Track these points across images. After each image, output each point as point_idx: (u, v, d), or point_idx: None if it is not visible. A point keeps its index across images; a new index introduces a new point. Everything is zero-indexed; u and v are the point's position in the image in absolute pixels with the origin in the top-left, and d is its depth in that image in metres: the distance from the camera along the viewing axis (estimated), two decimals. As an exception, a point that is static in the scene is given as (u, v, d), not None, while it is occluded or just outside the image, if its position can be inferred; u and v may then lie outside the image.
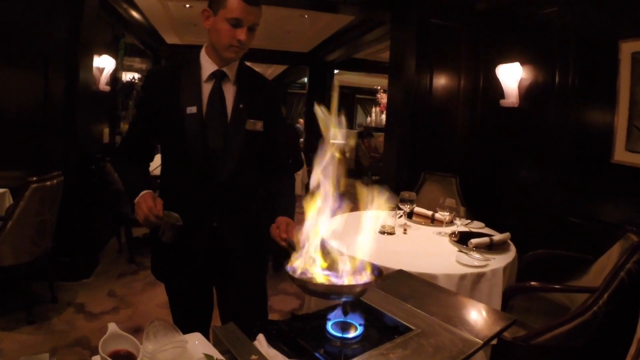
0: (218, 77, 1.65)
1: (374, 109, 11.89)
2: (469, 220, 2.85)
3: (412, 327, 1.15)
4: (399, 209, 2.66)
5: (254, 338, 1.08)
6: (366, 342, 1.07)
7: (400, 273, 1.64)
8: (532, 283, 2.27)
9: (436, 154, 4.31)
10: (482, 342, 1.12)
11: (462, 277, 1.99)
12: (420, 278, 1.60)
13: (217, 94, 1.64)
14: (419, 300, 1.35)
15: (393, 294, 1.34)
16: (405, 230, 2.68)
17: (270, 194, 1.79)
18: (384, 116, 10.29)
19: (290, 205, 1.76)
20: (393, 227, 2.62)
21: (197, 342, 1.03)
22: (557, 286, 2.46)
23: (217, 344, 1.07)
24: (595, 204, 2.98)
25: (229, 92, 1.67)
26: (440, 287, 1.52)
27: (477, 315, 1.30)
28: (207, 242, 1.67)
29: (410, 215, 2.88)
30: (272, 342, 1.07)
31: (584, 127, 3.09)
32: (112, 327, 1.01)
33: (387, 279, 1.57)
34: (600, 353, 2.53)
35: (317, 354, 1.03)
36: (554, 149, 3.32)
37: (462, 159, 4.31)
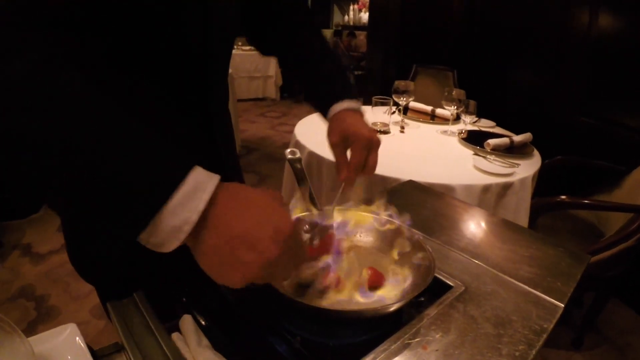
0: None
1: (351, 7, 10.99)
2: (477, 118, 2.36)
3: (450, 284, 0.69)
4: (394, 102, 2.14)
5: (178, 317, 0.62)
6: (374, 320, 0.60)
7: (411, 185, 1.16)
8: (563, 197, 1.77)
9: (429, 47, 3.67)
10: (562, 306, 0.66)
11: (486, 188, 1.50)
12: (441, 193, 1.12)
13: None
14: (447, 231, 0.88)
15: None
16: (402, 128, 2.17)
17: (300, 62, 0.94)
18: (362, 14, 9.57)
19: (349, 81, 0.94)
20: (387, 125, 2.11)
21: (60, 345, 0.55)
22: (596, 203, 1.97)
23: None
24: (626, 106, 2.45)
25: None
26: (474, 208, 1.04)
27: (538, 253, 0.83)
28: None
29: (405, 111, 2.37)
30: (208, 327, 0.60)
31: (612, 9, 2.50)
32: None
33: (393, 194, 1.10)
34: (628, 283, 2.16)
35: (281, 350, 0.56)
36: (573, 38, 2.73)
37: (459, 52, 3.69)
